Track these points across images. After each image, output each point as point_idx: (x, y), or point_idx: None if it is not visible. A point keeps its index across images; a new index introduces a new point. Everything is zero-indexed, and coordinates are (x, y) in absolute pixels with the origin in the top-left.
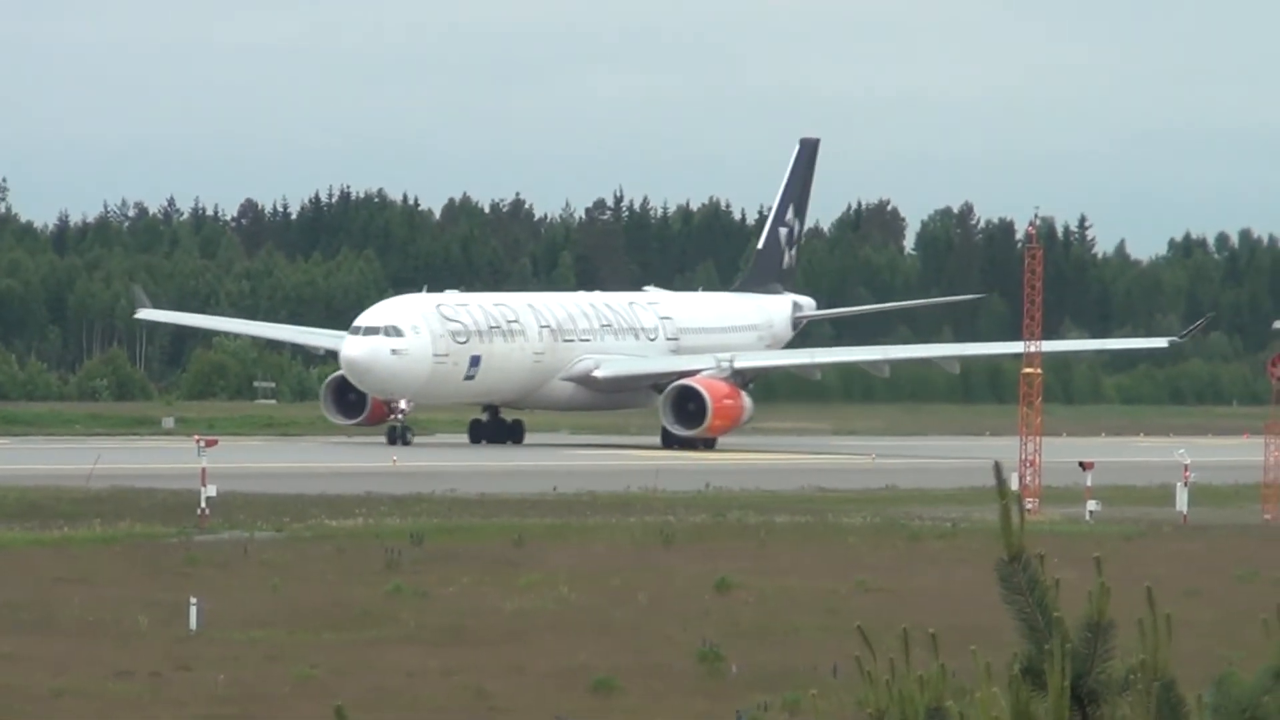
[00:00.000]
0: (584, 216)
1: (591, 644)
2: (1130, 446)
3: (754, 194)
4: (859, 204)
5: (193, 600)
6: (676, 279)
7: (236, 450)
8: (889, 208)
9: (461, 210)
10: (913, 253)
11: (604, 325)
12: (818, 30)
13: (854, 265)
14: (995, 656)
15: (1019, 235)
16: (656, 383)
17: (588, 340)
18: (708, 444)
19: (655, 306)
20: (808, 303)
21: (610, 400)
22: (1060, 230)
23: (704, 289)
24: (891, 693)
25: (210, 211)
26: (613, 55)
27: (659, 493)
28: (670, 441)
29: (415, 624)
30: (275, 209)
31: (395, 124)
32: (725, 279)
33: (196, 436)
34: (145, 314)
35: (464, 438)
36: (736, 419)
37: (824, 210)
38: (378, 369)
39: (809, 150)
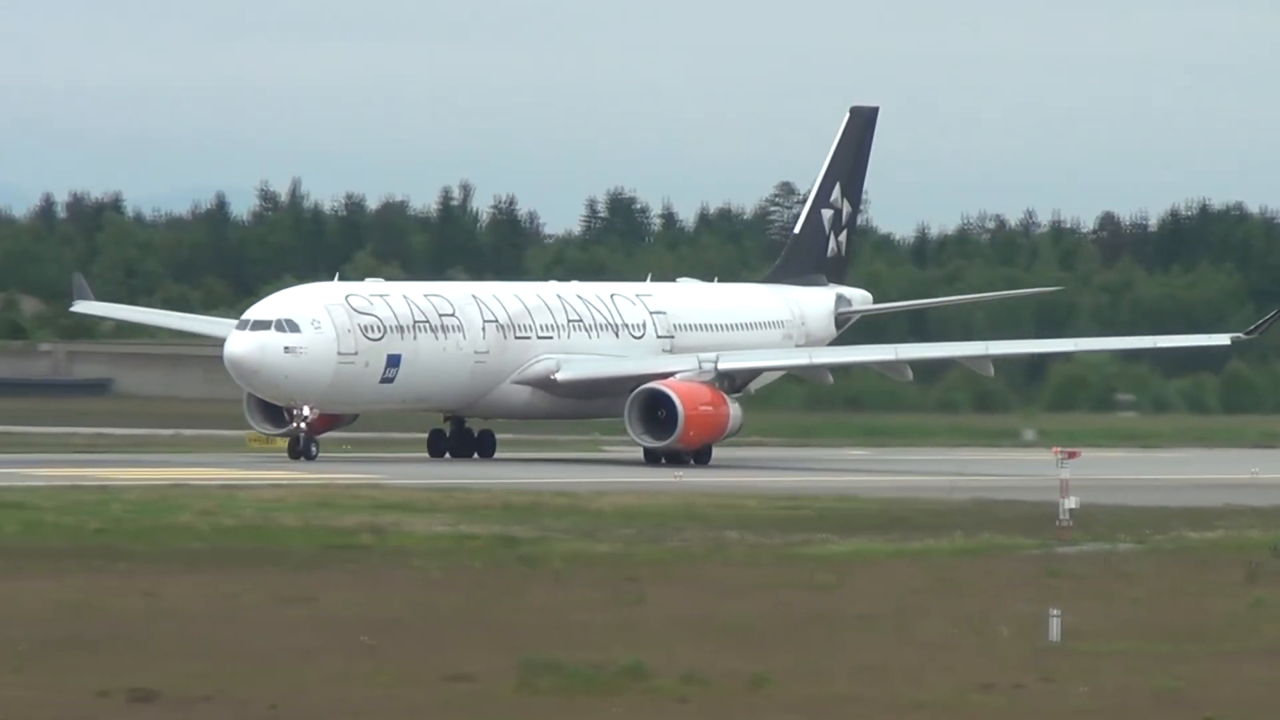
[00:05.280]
0: None
1: None
2: None
3: None
4: None
5: (1054, 612)
6: None
7: (1097, 462)
8: None
9: None
10: None
11: (572, 320)
12: None
13: None
14: None
15: None
16: (636, 386)
17: (549, 337)
18: (699, 458)
19: (646, 299)
20: (859, 296)
21: (579, 407)
22: None
23: None
24: None
25: (1069, 224)
26: None
27: None
28: (654, 456)
29: (1277, 636)
30: (1134, 221)
31: (1258, 134)
32: None
33: (1057, 449)
34: (82, 306)
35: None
36: (718, 429)
37: None
38: (267, 369)
39: (861, 120)
